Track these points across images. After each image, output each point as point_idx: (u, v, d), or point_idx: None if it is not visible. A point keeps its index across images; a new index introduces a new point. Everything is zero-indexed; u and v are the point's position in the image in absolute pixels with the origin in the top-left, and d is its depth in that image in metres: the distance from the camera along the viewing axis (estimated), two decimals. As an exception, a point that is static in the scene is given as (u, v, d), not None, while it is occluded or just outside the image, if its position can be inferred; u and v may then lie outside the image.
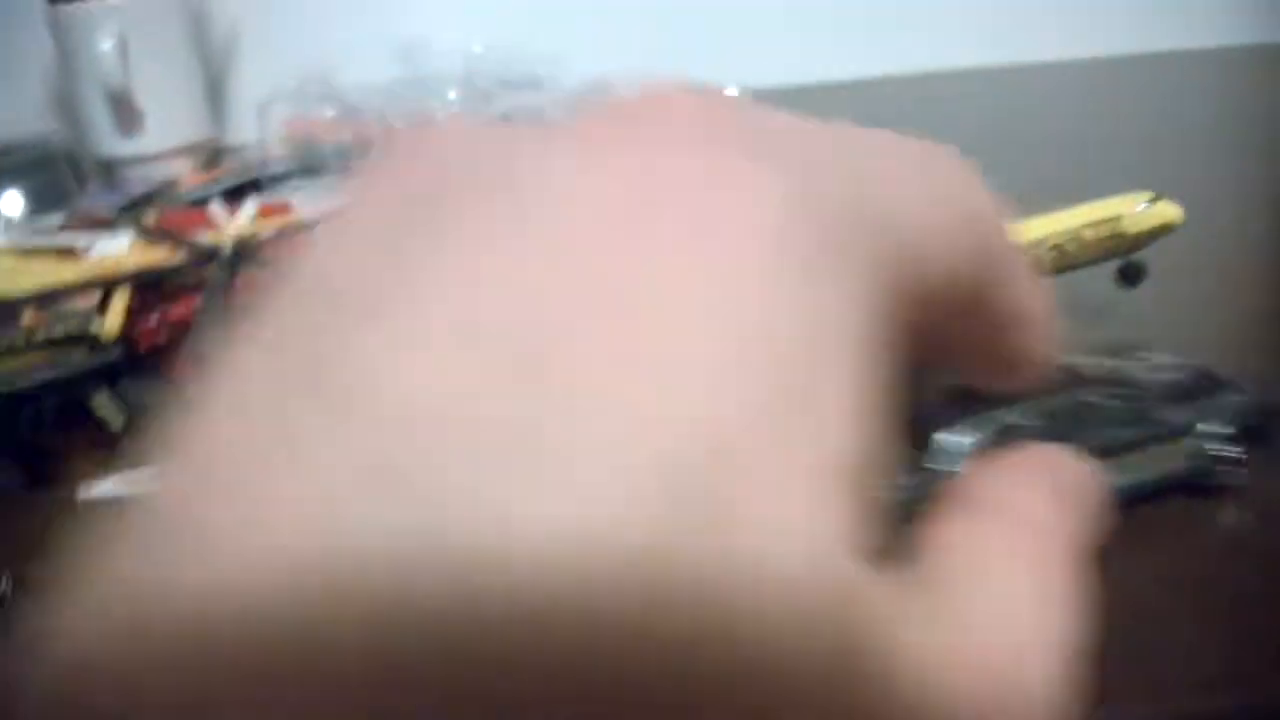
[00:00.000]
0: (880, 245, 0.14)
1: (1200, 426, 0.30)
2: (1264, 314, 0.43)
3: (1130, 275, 0.40)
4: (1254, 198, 0.61)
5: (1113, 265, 0.40)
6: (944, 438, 0.31)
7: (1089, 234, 0.39)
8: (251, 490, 0.11)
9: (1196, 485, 0.31)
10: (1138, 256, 0.40)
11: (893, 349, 0.14)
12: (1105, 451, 0.29)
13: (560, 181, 0.13)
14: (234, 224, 0.53)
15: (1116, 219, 0.39)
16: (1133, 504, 0.29)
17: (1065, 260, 0.39)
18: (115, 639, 0.10)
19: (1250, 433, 0.31)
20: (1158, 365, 0.33)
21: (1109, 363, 0.33)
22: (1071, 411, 0.31)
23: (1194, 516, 0.31)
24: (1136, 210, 0.39)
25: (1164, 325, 0.41)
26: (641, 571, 0.10)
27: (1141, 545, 0.27)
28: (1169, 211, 0.39)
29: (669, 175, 0.13)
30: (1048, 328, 0.22)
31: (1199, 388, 0.32)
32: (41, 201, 0.66)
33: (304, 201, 0.60)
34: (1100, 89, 0.91)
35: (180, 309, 0.46)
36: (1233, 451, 0.30)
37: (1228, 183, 0.64)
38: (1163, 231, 0.40)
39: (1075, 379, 0.32)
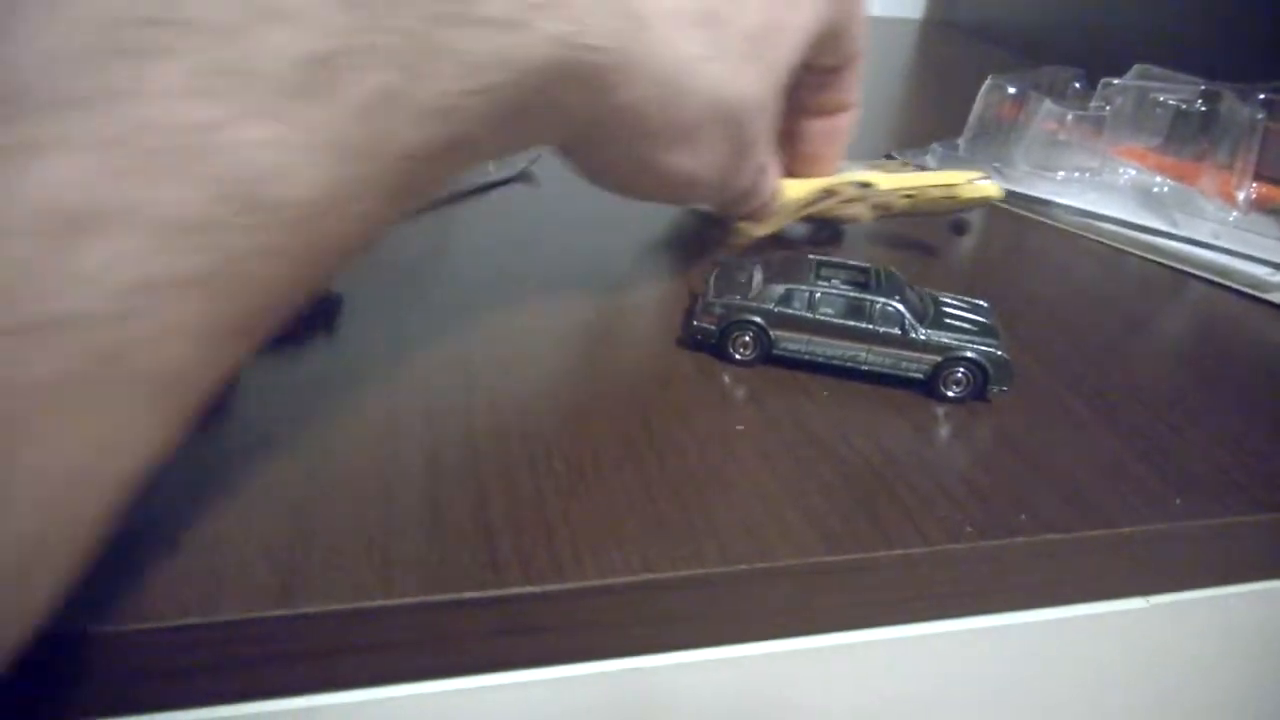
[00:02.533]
0: None
1: (960, 353, 0.39)
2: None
3: (959, 227, 0.55)
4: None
5: (947, 219, 0.55)
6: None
7: (934, 192, 0.51)
8: None
9: (928, 389, 0.40)
10: (965, 215, 0.54)
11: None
12: (867, 336, 0.40)
13: None
14: None
15: (955, 185, 0.51)
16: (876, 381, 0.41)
17: (914, 206, 0.52)
18: None
19: (988, 373, 0.39)
20: (961, 302, 0.43)
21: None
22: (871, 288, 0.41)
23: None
24: (970, 183, 0.51)
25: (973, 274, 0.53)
26: None
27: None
28: (992, 188, 0.51)
29: None
30: (845, 137, 0.47)
31: (981, 327, 0.41)
32: None
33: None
34: None
35: None
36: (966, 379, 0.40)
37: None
38: (985, 201, 0.51)
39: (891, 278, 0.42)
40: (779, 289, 0.40)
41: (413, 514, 0.31)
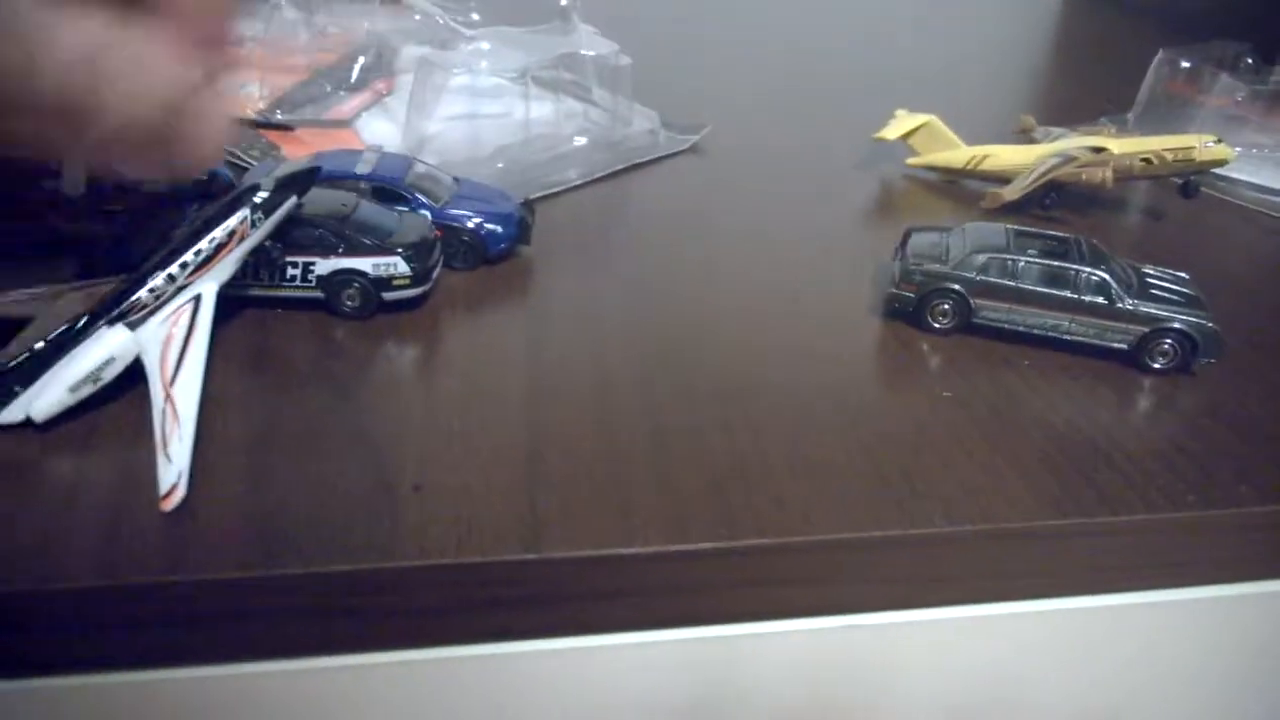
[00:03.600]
0: None
1: (1168, 323, 0.39)
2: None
3: (1189, 190, 0.54)
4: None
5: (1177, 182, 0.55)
6: None
7: (1169, 155, 0.52)
8: None
9: (1132, 360, 0.40)
10: (1196, 178, 0.54)
11: None
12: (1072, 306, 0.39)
13: None
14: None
15: (1190, 148, 0.52)
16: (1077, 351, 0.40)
17: (1150, 169, 0.52)
18: None
19: (1197, 345, 0.39)
20: (1163, 273, 0.42)
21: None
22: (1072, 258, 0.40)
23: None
24: (1204, 145, 0.52)
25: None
26: None
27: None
28: (1225, 151, 0.52)
29: None
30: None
31: (1186, 298, 0.40)
32: None
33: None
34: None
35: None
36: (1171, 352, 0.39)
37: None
38: (1219, 164, 0.52)
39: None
40: (980, 258, 0.40)
41: (642, 469, 0.32)
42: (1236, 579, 0.36)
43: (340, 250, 0.39)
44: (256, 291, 0.39)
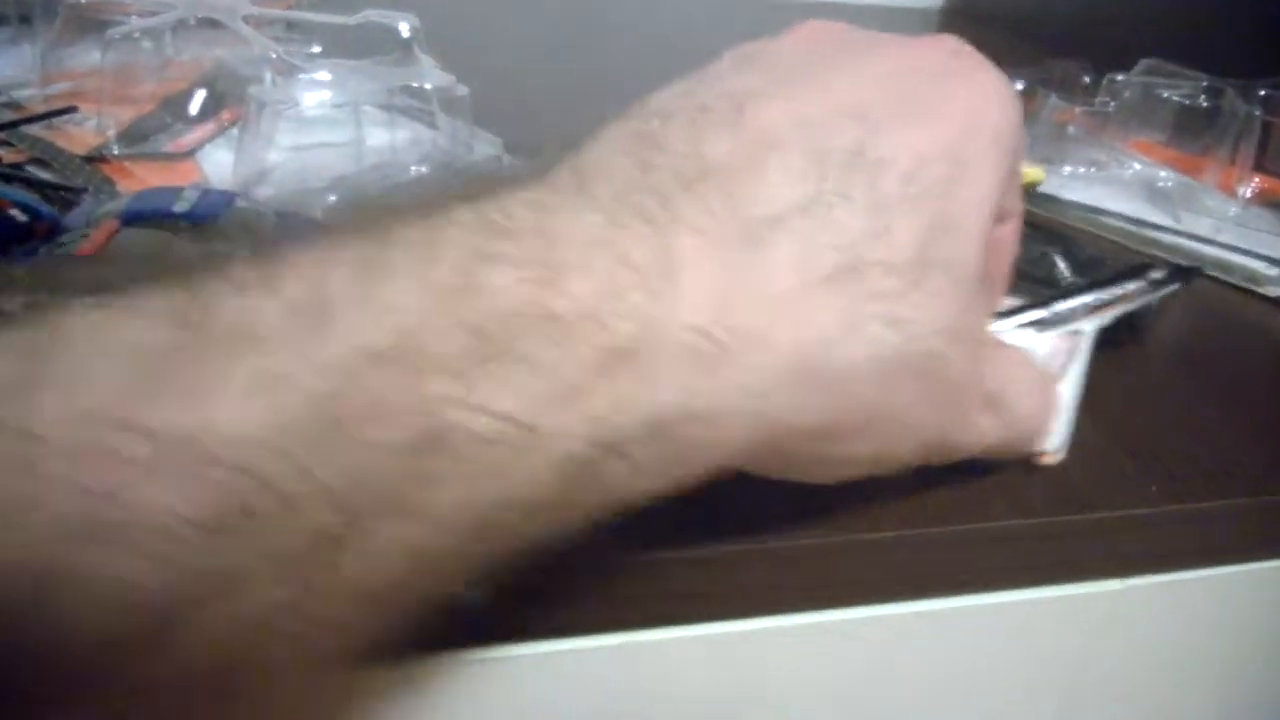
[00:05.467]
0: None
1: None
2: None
3: None
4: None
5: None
6: None
7: None
8: None
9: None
10: None
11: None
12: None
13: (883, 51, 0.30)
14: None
15: None
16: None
17: None
18: None
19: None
20: None
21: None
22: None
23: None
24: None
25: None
26: None
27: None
28: (1036, 173, 0.56)
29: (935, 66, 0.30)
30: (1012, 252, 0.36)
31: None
32: None
33: None
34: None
35: None
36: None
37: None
38: (1030, 186, 0.56)
39: None
40: None
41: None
42: (1017, 586, 0.38)
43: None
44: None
